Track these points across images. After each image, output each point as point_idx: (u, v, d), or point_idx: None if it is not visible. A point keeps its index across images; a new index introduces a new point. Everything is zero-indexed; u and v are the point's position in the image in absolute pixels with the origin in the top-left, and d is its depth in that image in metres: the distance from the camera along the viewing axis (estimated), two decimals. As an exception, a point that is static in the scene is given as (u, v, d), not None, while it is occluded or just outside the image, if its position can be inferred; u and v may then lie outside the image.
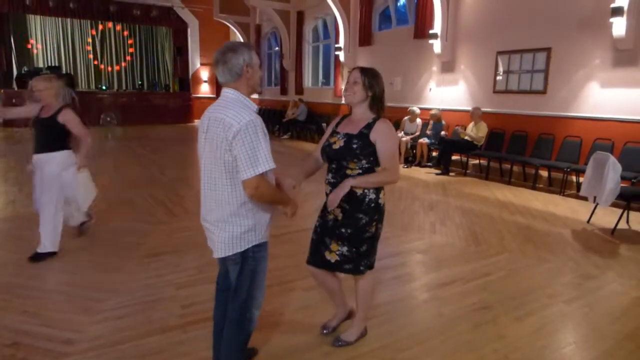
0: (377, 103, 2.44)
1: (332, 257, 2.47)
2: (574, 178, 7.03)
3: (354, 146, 2.38)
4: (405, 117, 9.46)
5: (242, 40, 17.04)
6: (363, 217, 2.41)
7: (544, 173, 7.43)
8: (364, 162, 2.39)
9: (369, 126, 2.41)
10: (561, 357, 2.68)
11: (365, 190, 2.41)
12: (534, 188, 7.24)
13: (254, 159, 1.88)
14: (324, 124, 10.49)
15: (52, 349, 2.58)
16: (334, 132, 2.52)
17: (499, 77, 8.42)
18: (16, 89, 15.70)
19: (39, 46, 17.78)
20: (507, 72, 8.28)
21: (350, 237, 2.42)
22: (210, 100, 18.51)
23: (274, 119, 14.88)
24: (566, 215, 5.73)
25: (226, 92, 2.01)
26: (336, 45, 12.14)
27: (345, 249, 2.43)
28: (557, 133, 7.41)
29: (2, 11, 15.19)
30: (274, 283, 3.45)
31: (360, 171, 2.40)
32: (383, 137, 2.37)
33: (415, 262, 4.18)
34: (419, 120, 9.37)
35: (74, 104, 3.96)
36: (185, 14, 17.54)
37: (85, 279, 3.54)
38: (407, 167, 8.95)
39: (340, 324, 2.83)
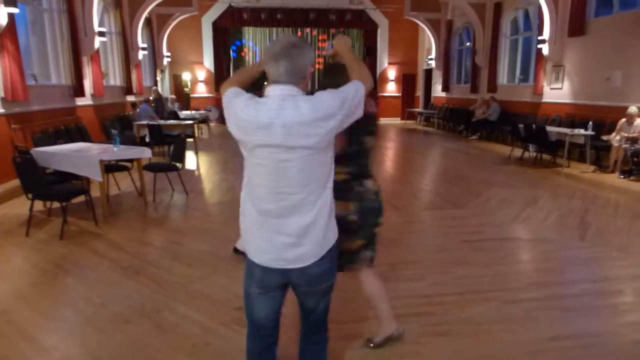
0: None
1: None
2: None
3: None
4: (622, 120, 7.98)
5: (431, 37, 16.75)
6: None
7: None
8: None
9: None
10: None
11: None
12: None
13: None
14: (520, 125, 9.59)
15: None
16: None
17: None
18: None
19: (250, 54, 20.51)
20: None
21: None
22: (396, 99, 18.89)
23: (460, 119, 14.28)
24: None
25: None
26: (539, 38, 11.00)
27: None
28: None
29: (226, 26, 18.01)
30: (467, 290, 3.37)
31: None
32: None
33: (635, 292, 3.54)
34: (639, 121, 7.83)
35: None
36: (376, 15, 18.09)
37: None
38: (623, 178, 7.60)
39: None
